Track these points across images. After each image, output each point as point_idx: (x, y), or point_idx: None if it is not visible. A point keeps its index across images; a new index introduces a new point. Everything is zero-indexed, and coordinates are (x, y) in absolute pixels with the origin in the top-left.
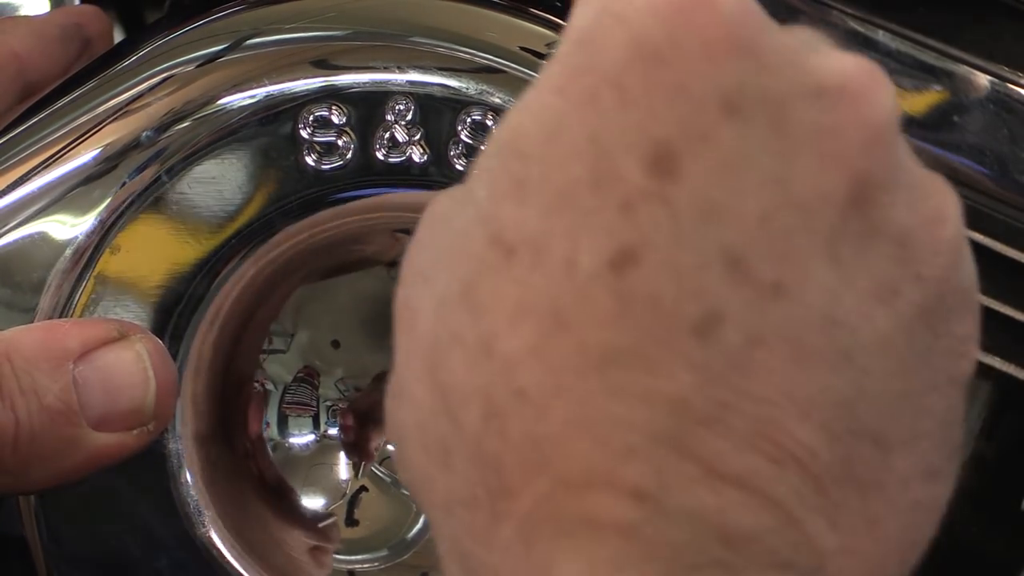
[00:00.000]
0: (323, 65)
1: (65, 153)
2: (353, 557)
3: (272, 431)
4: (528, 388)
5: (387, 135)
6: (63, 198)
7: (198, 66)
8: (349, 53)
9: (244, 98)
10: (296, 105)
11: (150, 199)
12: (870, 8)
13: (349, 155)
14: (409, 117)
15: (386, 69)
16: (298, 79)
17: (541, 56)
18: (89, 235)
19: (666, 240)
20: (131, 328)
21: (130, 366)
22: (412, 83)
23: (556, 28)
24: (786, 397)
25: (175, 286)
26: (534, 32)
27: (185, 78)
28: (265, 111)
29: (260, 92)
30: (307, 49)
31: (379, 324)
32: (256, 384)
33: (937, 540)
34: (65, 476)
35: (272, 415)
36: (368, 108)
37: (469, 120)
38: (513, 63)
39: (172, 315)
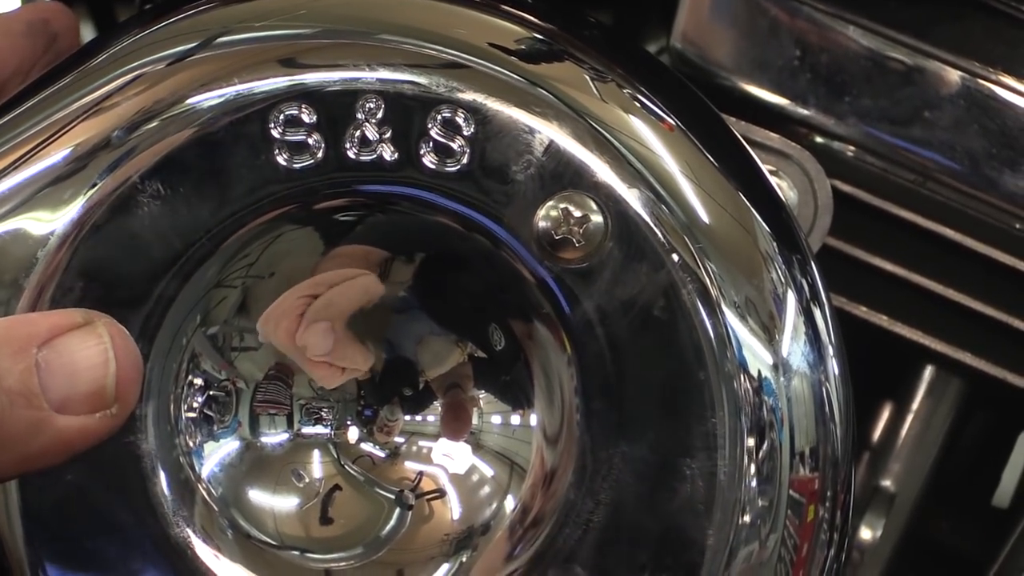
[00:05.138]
0: (293, 63)
1: (35, 153)
2: (328, 556)
3: (244, 430)
4: None
5: (357, 133)
6: (33, 198)
7: (168, 65)
8: (319, 51)
9: (214, 97)
10: (266, 105)
11: (122, 200)
12: (841, 4)
13: (320, 154)
14: (379, 115)
15: (356, 67)
16: (268, 78)
17: (509, 52)
18: (61, 235)
19: None
20: (96, 316)
21: (91, 349)
22: (382, 81)
23: (525, 24)
24: None
25: (147, 286)
26: (503, 28)
27: (155, 77)
28: (235, 111)
29: (230, 91)
30: (277, 47)
31: (355, 321)
32: (227, 383)
33: (909, 535)
34: (32, 462)
35: (244, 414)
36: (338, 107)
37: (440, 118)
38: (481, 59)
39: (144, 315)
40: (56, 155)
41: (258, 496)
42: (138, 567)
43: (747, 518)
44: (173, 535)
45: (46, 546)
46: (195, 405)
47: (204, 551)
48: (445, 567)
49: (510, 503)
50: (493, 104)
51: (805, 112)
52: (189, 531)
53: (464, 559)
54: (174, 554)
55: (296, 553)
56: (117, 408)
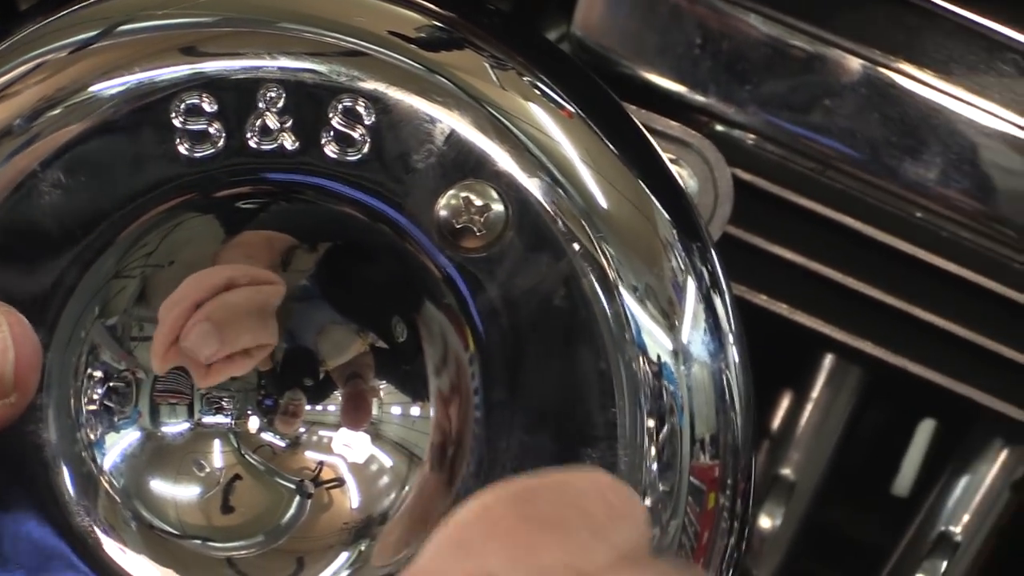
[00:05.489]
0: (194, 52)
1: None
2: (229, 544)
3: (144, 420)
4: None
5: (259, 122)
6: None
7: (70, 53)
8: (220, 39)
9: (116, 85)
10: (168, 94)
11: (21, 188)
12: None
13: (221, 143)
14: (280, 104)
15: (256, 56)
16: (169, 66)
17: (409, 40)
18: None
19: None
20: None
21: None
22: (283, 69)
23: (425, 12)
24: None
25: (46, 275)
26: (403, 16)
27: (57, 64)
28: (137, 99)
29: (131, 80)
30: (178, 35)
31: (251, 311)
32: (127, 373)
33: (810, 523)
34: None
35: (144, 404)
36: (239, 96)
37: (340, 107)
38: (381, 47)
39: (43, 305)
40: None
41: (159, 486)
42: (42, 559)
43: (648, 503)
44: (76, 525)
45: None
46: (95, 397)
47: (107, 542)
48: (344, 555)
49: (408, 493)
50: (393, 93)
51: (705, 100)
52: (92, 522)
53: (363, 547)
54: (78, 544)
55: (198, 542)
56: (16, 397)
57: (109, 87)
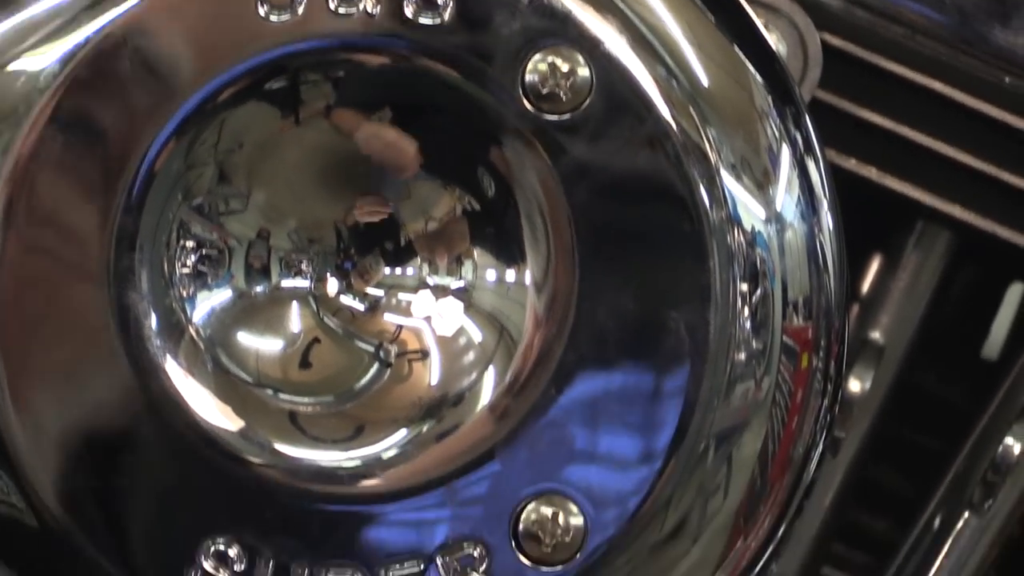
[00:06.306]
0: None
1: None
2: (298, 399)
3: (238, 281)
4: None
5: None
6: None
7: None
8: None
9: None
10: None
11: (107, 57)
12: None
13: (302, 8)
14: None
15: None
16: None
17: None
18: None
19: None
20: None
21: None
22: None
23: None
24: None
25: (130, 148)
26: None
27: None
28: None
29: None
30: None
31: (329, 174)
32: (219, 242)
33: (899, 387)
34: None
35: (237, 268)
36: None
37: None
38: None
39: (130, 174)
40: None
41: (245, 338)
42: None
43: (741, 356)
44: (150, 363)
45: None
46: (188, 263)
47: (179, 377)
48: (403, 432)
49: (491, 373)
50: None
51: None
52: (170, 359)
53: (424, 429)
54: (147, 376)
55: (269, 392)
56: None
57: None
